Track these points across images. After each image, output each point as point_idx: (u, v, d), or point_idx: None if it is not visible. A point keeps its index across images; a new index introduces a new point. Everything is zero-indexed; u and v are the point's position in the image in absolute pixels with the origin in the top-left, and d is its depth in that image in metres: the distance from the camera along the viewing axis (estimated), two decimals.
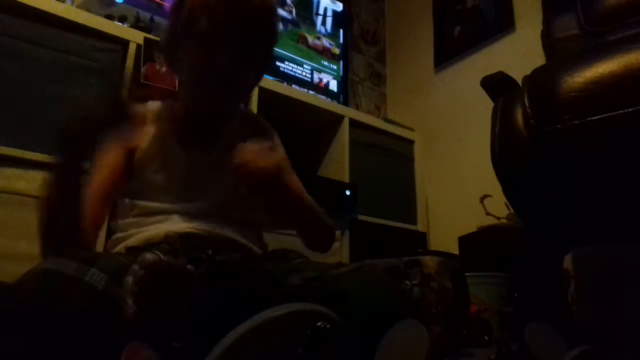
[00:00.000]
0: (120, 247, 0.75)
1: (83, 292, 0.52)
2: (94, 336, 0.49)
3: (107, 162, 0.82)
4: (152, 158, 0.83)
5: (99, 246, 1.24)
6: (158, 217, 0.77)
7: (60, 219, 0.70)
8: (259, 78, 0.92)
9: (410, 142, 2.21)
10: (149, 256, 0.49)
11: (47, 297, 0.50)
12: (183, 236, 0.70)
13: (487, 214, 1.68)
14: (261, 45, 0.83)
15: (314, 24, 2.31)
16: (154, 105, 0.89)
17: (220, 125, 0.89)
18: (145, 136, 0.84)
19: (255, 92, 1.66)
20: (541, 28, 1.21)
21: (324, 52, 2.31)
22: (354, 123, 2.00)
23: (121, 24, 1.52)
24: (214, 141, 0.87)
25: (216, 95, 0.80)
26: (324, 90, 2.24)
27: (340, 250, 1.74)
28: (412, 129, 2.26)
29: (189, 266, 0.52)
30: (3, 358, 0.47)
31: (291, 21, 2.22)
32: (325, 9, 2.38)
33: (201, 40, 0.77)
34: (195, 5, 0.77)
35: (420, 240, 2.08)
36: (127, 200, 0.82)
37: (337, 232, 1.73)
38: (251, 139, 0.89)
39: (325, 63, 2.30)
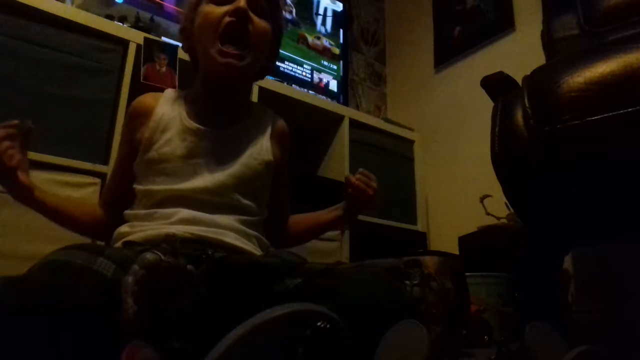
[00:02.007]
0: (119, 244, 0.75)
1: (93, 280, 0.52)
2: (105, 324, 0.49)
3: (114, 170, 0.90)
4: (160, 132, 0.82)
5: None
6: (161, 212, 0.76)
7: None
8: (274, 53, 0.93)
9: (410, 142, 2.21)
10: (149, 256, 0.49)
11: (58, 287, 0.50)
12: (183, 241, 0.70)
13: (487, 214, 1.68)
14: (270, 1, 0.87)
15: (314, 24, 2.32)
16: (168, 91, 0.90)
17: (234, 107, 0.89)
18: (154, 117, 0.84)
19: (255, 92, 1.66)
20: (541, 28, 1.21)
21: (324, 52, 2.31)
22: (354, 123, 2.00)
23: (121, 24, 1.52)
24: (228, 124, 0.86)
25: (238, 45, 0.80)
26: (324, 90, 2.24)
27: (340, 250, 1.74)
28: (412, 129, 2.26)
29: (189, 266, 0.52)
30: (16, 347, 0.47)
31: (291, 21, 2.22)
32: (325, 9, 2.38)
33: None
34: None
35: (420, 240, 2.08)
36: (135, 186, 0.82)
37: (337, 232, 1.74)
38: (268, 138, 0.90)
39: (325, 63, 2.30)
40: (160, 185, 0.79)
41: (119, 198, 0.86)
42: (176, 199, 0.77)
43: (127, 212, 0.81)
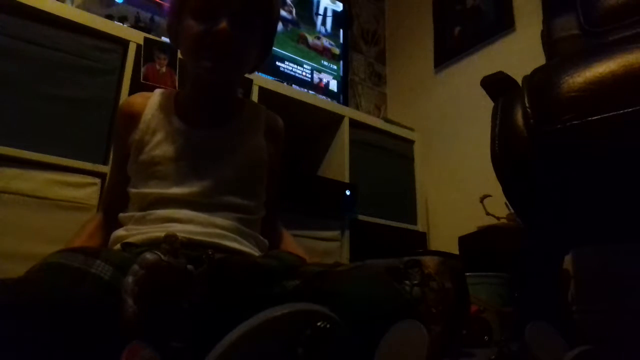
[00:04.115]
0: (117, 247, 0.75)
1: (90, 284, 0.52)
2: (103, 327, 0.49)
3: (111, 173, 0.89)
4: (151, 134, 0.81)
5: None
6: (157, 213, 0.76)
7: None
8: (266, 51, 0.89)
9: (410, 142, 2.21)
10: (149, 256, 0.49)
11: (54, 290, 0.50)
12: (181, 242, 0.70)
13: (487, 214, 1.68)
14: (260, 12, 0.81)
15: (314, 24, 2.31)
16: (157, 91, 0.89)
17: (225, 106, 0.87)
18: (143, 119, 0.82)
19: (255, 92, 1.66)
20: (541, 28, 1.21)
21: (324, 52, 2.31)
22: (354, 123, 2.00)
23: (121, 24, 1.52)
24: (219, 123, 0.85)
25: (217, 62, 0.77)
26: (324, 90, 2.24)
27: (340, 250, 1.74)
28: (412, 129, 2.26)
29: (189, 266, 0.52)
30: (13, 351, 0.47)
31: (291, 21, 2.22)
32: (325, 9, 2.38)
33: (196, 10, 0.77)
34: None
35: (420, 240, 2.08)
36: (129, 189, 0.82)
37: (337, 232, 1.74)
38: (262, 136, 0.88)
39: (325, 63, 2.30)
40: (153, 189, 0.78)
41: (119, 200, 0.85)
42: (170, 201, 0.77)
43: (121, 215, 0.81)
